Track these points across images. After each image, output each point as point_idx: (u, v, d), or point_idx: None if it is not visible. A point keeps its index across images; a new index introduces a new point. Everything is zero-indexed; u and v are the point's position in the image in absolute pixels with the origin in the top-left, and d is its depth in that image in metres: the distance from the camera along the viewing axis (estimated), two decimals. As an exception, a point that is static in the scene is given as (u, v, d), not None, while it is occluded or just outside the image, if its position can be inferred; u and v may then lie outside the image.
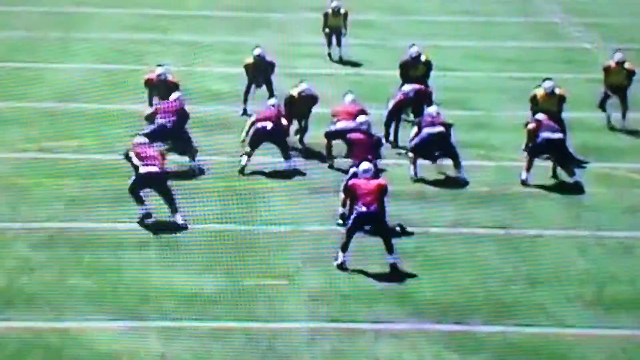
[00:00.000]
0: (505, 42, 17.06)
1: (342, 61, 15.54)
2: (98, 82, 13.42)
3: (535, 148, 10.78)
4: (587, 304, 8.24)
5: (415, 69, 12.43)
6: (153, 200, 9.66)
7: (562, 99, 11.48)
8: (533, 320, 7.96)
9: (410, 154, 10.94)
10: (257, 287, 8.31)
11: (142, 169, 9.44)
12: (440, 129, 10.85)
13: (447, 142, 10.82)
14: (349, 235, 8.75)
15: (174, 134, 10.89)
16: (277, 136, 10.90)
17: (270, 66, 12.54)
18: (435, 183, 10.84)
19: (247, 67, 12.53)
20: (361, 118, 10.60)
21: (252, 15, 18.32)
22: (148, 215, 9.44)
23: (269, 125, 10.84)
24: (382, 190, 8.83)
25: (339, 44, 15.63)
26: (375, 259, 8.86)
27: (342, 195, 9.38)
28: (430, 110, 11.23)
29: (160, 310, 7.95)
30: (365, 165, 9.09)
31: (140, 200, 9.45)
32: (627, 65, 12.34)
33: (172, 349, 7.46)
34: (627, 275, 8.80)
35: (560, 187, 10.84)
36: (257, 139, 10.92)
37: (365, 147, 10.02)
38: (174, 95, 11.26)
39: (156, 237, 9.23)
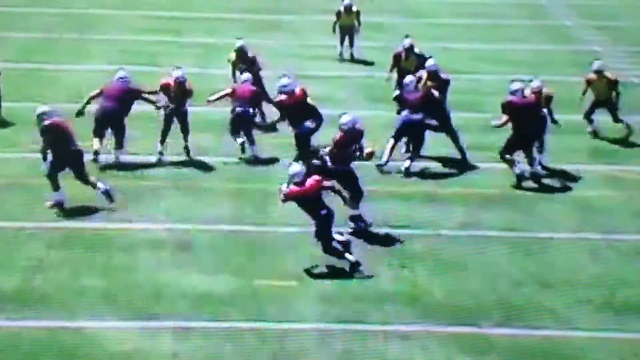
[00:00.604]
0: (516, 44, 17.06)
1: (353, 60, 15.58)
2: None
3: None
4: (598, 307, 8.24)
5: (407, 61, 12.37)
6: (164, 203, 9.76)
7: (548, 99, 11.32)
8: (543, 323, 7.98)
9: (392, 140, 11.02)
10: (268, 288, 8.37)
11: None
12: (419, 117, 10.87)
13: (421, 132, 10.86)
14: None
15: (113, 119, 10.97)
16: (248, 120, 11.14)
17: (252, 61, 12.43)
18: (445, 185, 10.87)
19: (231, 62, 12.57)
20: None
21: (264, 18, 18.41)
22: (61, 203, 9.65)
23: (247, 109, 11.13)
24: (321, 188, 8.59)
25: (351, 43, 15.66)
26: (386, 261, 8.90)
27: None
28: (407, 80, 11.21)
29: (173, 310, 8.02)
30: (295, 167, 8.78)
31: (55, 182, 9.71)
32: (607, 74, 12.06)
33: (184, 348, 7.53)
34: (638, 278, 8.79)
35: (571, 190, 10.84)
36: (239, 123, 11.12)
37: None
38: (118, 74, 11.24)
39: (169, 238, 9.31)
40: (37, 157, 10.10)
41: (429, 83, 11.60)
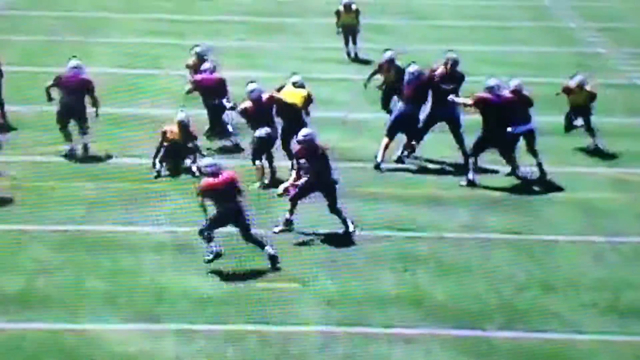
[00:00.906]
0: (519, 46, 17.04)
1: (357, 60, 15.55)
2: (116, 86, 13.55)
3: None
4: (602, 310, 8.21)
5: (387, 73, 12.33)
6: (167, 206, 9.74)
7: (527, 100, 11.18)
8: (547, 327, 7.94)
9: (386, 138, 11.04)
10: (270, 291, 8.36)
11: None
12: (410, 110, 10.85)
13: (414, 124, 10.83)
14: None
15: (75, 111, 11.09)
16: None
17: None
18: (448, 187, 10.84)
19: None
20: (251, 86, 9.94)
21: (267, 20, 18.42)
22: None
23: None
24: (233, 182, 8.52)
25: (354, 41, 15.63)
26: (388, 264, 8.88)
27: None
28: (410, 69, 11.19)
29: (175, 312, 8.02)
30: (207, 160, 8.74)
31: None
32: (588, 87, 11.92)
33: (186, 351, 7.52)
34: (642, 281, 8.78)
35: (575, 193, 10.81)
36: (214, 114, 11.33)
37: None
38: (71, 64, 11.33)
39: (172, 241, 9.30)
40: (40, 160, 10.11)
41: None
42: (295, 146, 9.69)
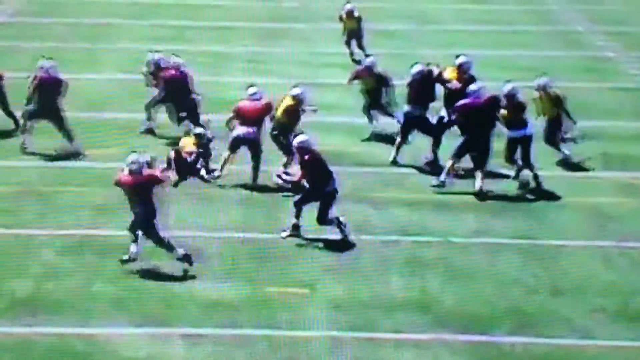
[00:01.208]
0: (527, 50, 17.01)
1: (354, 60, 15.56)
2: (124, 92, 13.60)
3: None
4: (612, 315, 8.17)
5: (367, 79, 12.23)
6: (175, 210, 9.76)
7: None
8: (556, 332, 7.91)
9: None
10: (278, 295, 8.36)
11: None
12: (418, 112, 10.91)
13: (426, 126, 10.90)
14: None
15: (50, 110, 11.15)
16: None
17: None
18: (456, 192, 10.82)
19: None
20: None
21: (273, 26, 18.47)
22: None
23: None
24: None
25: (360, 47, 15.63)
26: (396, 269, 8.86)
27: None
28: (414, 69, 11.19)
29: (184, 317, 8.03)
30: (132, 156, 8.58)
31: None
32: (551, 91, 11.42)
33: (195, 355, 7.53)
34: (652, 286, 8.74)
35: (583, 197, 10.77)
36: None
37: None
38: (44, 64, 11.40)
39: (180, 245, 9.28)
40: (50, 165, 10.15)
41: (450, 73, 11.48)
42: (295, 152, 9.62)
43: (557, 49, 17.26)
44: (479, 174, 10.54)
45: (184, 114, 11.88)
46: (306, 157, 9.28)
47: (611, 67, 15.91)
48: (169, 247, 8.66)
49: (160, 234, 8.60)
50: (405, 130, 11.32)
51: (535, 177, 10.80)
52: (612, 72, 15.34)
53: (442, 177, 10.60)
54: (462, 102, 10.73)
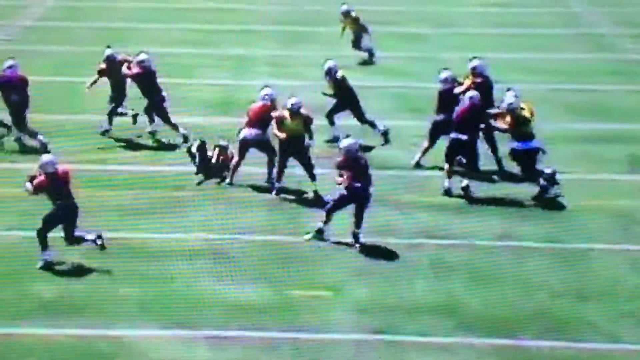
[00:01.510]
0: (552, 53, 16.87)
1: (372, 63, 15.47)
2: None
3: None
4: (639, 320, 8.06)
5: (329, 83, 12.14)
6: (199, 213, 9.81)
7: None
8: (583, 336, 7.83)
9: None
10: (303, 298, 8.36)
11: None
12: (445, 119, 10.83)
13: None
14: None
15: (23, 105, 11.43)
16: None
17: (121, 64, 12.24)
18: (481, 195, 10.73)
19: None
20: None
21: (296, 29, 18.51)
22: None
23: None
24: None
25: (357, 47, 15.67)
26: (421, 272, 8.83)
27: None
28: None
29: (209, 319, 8.05)
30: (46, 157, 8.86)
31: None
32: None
33: (220, 357, 7.55)
34: (680, 291, 8.61)
35: (610, 201, 10.64)
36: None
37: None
38: (7, 64, 11.58)
39: (205, 248, 9.35)
40: (75, 168, 10.23)
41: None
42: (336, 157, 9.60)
43: (581, 52, 17.10)
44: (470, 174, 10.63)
45: (137, 113, 11.94)
46: (352, 160, 9.27)
47: (637, 69, 15.73)
48: (82, 239, 8.87)
49: (75, 233, 8.80)
50: (434, 136, 11.29)
51: (544, 189, 10.48)
52: (638, 75, 15.15)
53: (446, 183, 10.59)
54: (457, 111, 10.71)
